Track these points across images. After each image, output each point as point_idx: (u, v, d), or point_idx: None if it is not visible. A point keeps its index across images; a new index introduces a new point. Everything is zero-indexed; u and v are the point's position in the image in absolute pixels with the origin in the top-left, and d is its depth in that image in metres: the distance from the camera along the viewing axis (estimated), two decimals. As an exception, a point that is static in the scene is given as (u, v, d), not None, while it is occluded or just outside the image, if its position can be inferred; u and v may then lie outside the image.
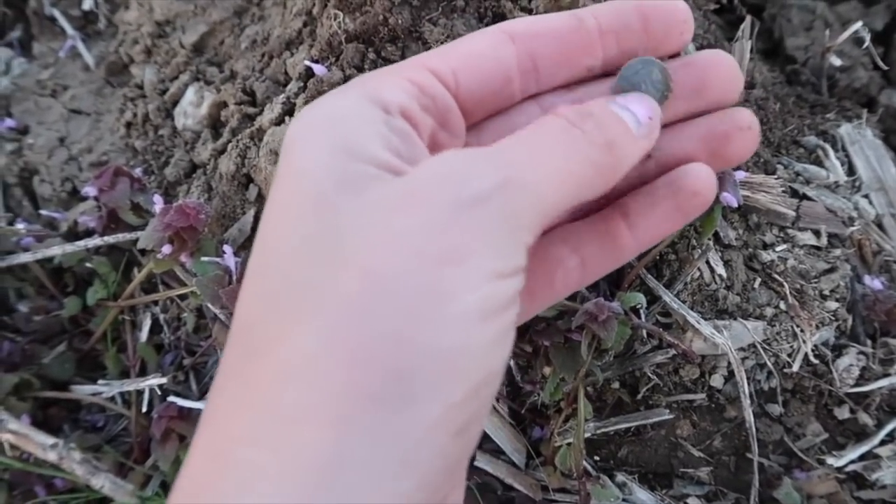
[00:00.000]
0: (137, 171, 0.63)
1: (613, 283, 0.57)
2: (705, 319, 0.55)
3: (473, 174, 0.24)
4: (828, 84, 0.79)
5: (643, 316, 0.55)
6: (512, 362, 0.58)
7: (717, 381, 0.57)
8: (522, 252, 0.24)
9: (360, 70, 0.60)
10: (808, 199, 0.60)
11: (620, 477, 0.59)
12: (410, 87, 0.28)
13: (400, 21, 0.59)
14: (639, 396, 0.58)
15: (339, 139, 0.25)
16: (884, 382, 0.55)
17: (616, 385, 0.58)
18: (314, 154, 0.25)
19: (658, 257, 0.56)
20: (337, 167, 0.24)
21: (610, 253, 0.33)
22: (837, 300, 0.57)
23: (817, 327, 0.55)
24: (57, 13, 0.79)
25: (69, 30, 0.78)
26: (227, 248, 0.54)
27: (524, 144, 0.26)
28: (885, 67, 0.77)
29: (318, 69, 0.60)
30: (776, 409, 0.57)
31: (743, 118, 0.32)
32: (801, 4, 0.85)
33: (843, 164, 0.63)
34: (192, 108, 0.66)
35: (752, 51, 0.67)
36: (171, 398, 0.58)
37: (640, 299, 0.54)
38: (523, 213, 0.24)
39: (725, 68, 0.32)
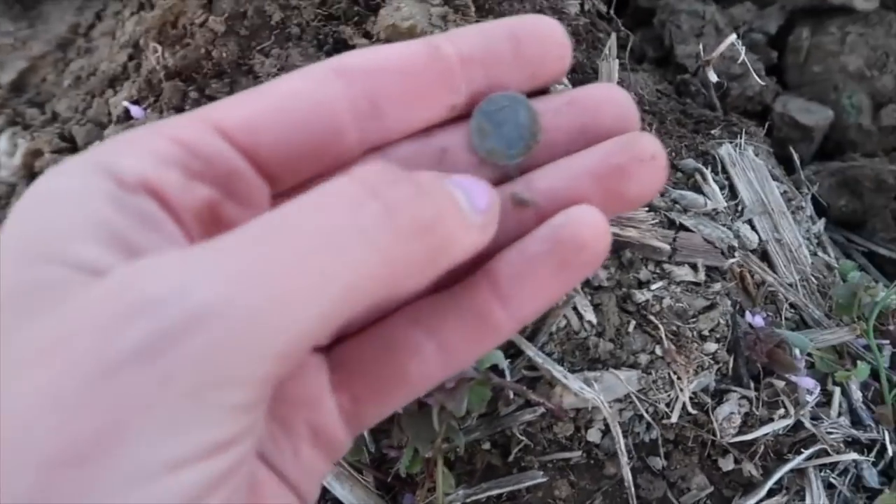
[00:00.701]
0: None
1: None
2: (575, 371, 0.51)
3: (159, 297, 0.16)
4: (719, 94, 0.75)
5: (507, 372, 0.50)
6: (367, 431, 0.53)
7: (594, 435, 0.52)
8: (234, 416, 0.17)
9: (181, 111, 0.53)
10: (686, 229, 0.56)
11: (497, 546, 0.54)
12: (168, 149, 0.21)
13: (225, 54, 0.53)
14: (510, 458, 0.53)
15: (33, 230, 0.19)
16: (767, 429, 0.51)
17: (486, 446, 0.53)
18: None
19: (521, 306, 0.51)
20: (15, 272, 0.18)
21: (478, 334, 0.25)
22: (717, 340, 0.53)
23: (696, 372, 0.51)
24: None
25: None
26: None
27: (278, 231, 0.18)
28: (765, 82, 0.74)
29: (136, 111, 0.53)
30: (658, 462, 0.53)
31: (644, 146, 0.24)
32: (691, 9, 0.81)
33: (723, 188, 0.59)
34: (6, 157, 0.58)
35: (626, 67, 0.63)
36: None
37: (498, 358, 0.48)
38: (245, 352, 0.17)
39: (617, 106, 0.26)
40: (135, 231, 0.19)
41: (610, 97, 0.26)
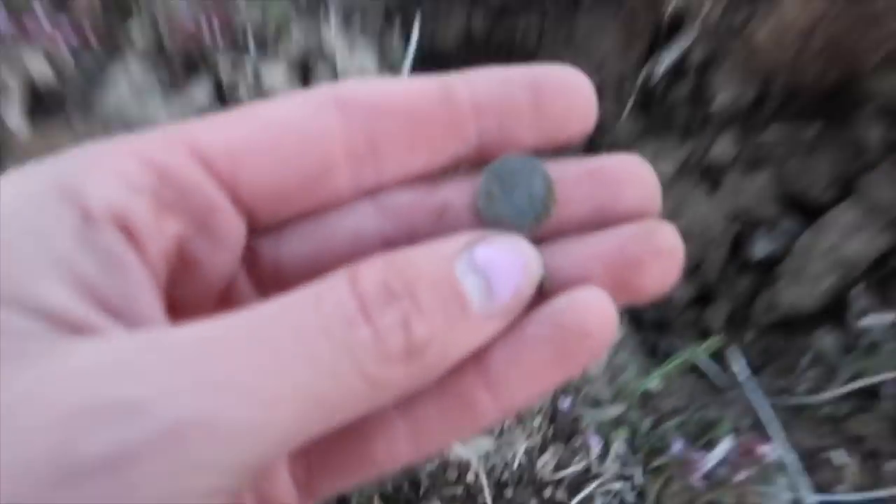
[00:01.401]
0: None
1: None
2: (458, 438, 0.86)
3: (136, 403, 0.15)
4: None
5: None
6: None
7: (470, 477, 0.86)
8: None
9: None
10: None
11: None
12: (140, 174, 0.19)
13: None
14: (421, 493, 0.86)
15: None
16: (571, 469, 0.87)
17: (406, 486, 0.86)
18: None
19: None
20: None
21: (458, 419, 0.22)
22: (543, 416, 0.88)
23: (528, 437, 0.86)
24: None
25: None
26: None
27: (263, 338, 0.17)
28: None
29: None
30: (509, 492, 0.87)
31: (664, 239, 0.22)
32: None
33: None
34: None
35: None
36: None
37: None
38: (221, 468, 0.16)
39: (640, 186, 0.23)
40: (102, 275, 0.18)
41: (635, 174, 0.23)
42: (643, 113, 0.79)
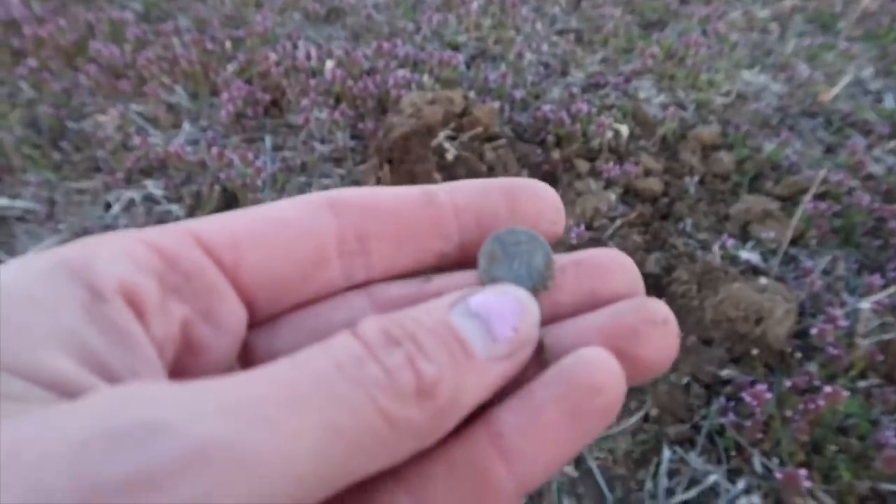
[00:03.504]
0: None
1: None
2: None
3: (160, 424, 0.14)
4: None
5: None
6: None
7: None
8: None
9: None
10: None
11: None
12: (147, 257, 0.20)
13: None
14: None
15: None
16: None
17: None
18: None
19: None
20: None
21: (474, 498, 0.20)
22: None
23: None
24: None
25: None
26: None
27: (279, 377, 0.17)
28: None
29: None
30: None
31: (656, 310, 0.22)
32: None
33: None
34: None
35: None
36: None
37: None
38: (243, 495, 0.15)
39: (624, 272, 0.24)
40: (110, 350, 0.18)
41: (618, 262, 0.24)
42: None
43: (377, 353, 0.18)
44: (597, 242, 1.23)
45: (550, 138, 1.52)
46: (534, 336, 0.21)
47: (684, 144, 1.56)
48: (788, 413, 0.84)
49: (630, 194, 1.40)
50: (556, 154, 1.48)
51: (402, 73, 1.65)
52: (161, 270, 0.20)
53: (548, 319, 0.23)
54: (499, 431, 0.20)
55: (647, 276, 1.20)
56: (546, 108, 1.54)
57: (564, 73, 1.88)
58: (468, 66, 1.82)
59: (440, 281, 0.24)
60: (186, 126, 1.61)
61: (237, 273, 0.21)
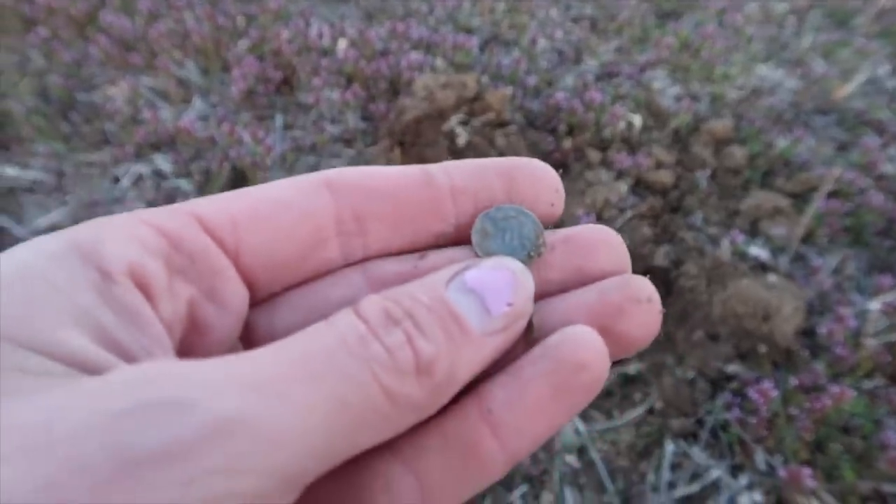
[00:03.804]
0: None
1: None
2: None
3: (185, 399, 0.15)
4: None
5: None
6: None
7: None
8: None
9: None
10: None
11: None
12: (153, 239, 0.20)
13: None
14: None
15: (14, 315, 0.17)
16: None
17: None
18: None
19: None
20: None
21: (465, 469, 0.21)
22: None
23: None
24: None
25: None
26: None
27: (292, 354, 0.17)
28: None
29: None
30: None
31: (640, 288, 0.23)
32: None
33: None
34: None
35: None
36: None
37: None
38: (266, 466, 0.15)
39: (611, 249, 0.24)
40: (122, 329, 0.18)
41: (605, 239, 0.24)
42: None
43: (378, 333, 0.19)
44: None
45: (562, 126, 1.51)
46: (528, 309, 0.22)
47: (697, 137, 1.55)
48: (794, 411, 0.84)
49: (641, 186, 1.40)
50: (567, 143, 1.47)
51: (415, 55, 1.64)
52: (167, 252, 0.21)
53: (537, 296, 0.23)
54: (489, 407, 0.21)
55: (655, 270, 1.19)
56: (559, 95, 1.53)
57: (578, 61, 1.87)
58: (481, 50, 1.81)
59: (435, 257, 0.25)
60: (197, 101, 1.61)
61: (239, 254, 0.22)
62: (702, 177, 1.41)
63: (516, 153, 1.43)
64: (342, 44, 1.71)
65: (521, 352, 0.22)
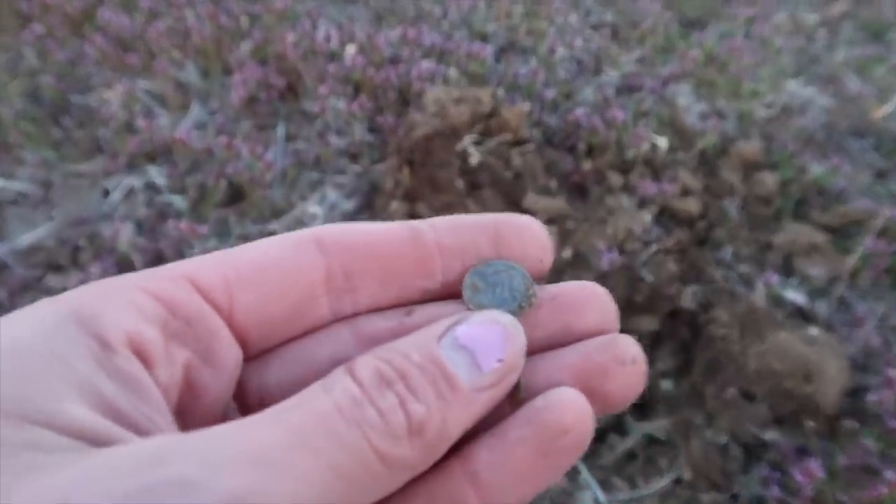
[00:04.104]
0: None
1: None
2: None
3: (192, 479, 0.16)
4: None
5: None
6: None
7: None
8: None
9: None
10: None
11: None
12: (150, 306, 0.21)
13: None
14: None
15: (14, 389, 0.17)
16: None
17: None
18: None
19: None
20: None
21: None
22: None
23: None
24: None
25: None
26: None
27: (273, 436, 0.17)
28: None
29: None
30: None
31: (625, 349, 0.23)
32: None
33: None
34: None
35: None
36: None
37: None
38: None
39: (599, 307, 0.25)
40: (123, 398, 0.19)
41: (593, 296, 0.25)
42: None
43: (372, 396, 0.19)
44: (629, 270, 1.14)
45: (582, 145, 1.42)
46: (519, 364, 0.22)
47: (725, 161, 1.46)
48: (842, 497, 0.76)
49: (665, 215, 1.31)
50: (587, 164, 1.38)
51: (426, 64, 1.54)
52: (163, 318, 0.21)
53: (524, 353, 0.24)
54: (475, 469, 0.22)
55: (682, 312, 1.11)
56: (579, 111, 1.44)
57: (598, 72, 1.77)
58: (497, 59, 1.71)
59: (422, 312, 0.25)
60: (195, 108, 1.52)
61: (232, 314, 0.23)
62: (731, 205, 1.31)
63: (533, 173, 1.34)
64: (350, 49, 1.62)
65: (507, 411, 0.22)
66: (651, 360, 1.11)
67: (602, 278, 1.13)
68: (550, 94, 1.53)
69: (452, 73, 1.56)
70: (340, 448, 0.18)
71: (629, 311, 1.14)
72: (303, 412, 0.18)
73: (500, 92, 1.50)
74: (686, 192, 1.34)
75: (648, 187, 1.28)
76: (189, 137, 1.33)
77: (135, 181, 1.32)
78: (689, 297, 1.11)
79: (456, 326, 0.21)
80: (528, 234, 0.25)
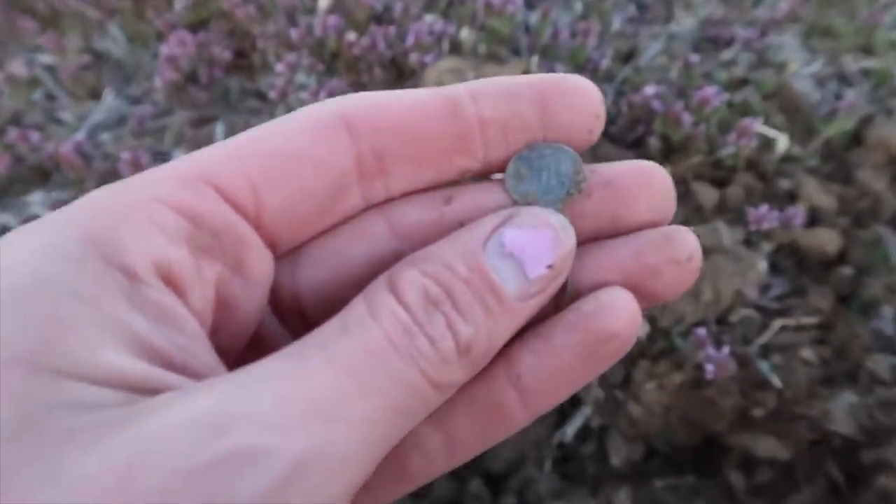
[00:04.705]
0: None
1: None
2: None
3: (262, 448, 0.15)
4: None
5: None
6: None
7: None
8: None
9: None
10: None
11: None
12: (173, 222, 0.19)
13: None
14: None
15: (37, 339, 0.15)
16: None
17: None
18: None
19: None
20: (27, 393, 0.15)
21: (490, 426, 0.23)
22: None
23: None
24: None
25: None
26: None
27: (328, 381, 0.17)
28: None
29: None
30: None
31: (682, 247, 0.22)
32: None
33: None
34: None
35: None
36: None
37: None
38: (338, 491, 0.17)
39: (655, 194, 0.23)
40: (161, 336, 0.18)
41: (650, 183, 0.23)
42: (562, 468, 0.79)
43: (421, 321, 0.19)
44: (745, 370, 0.72)
45: (653, 141, 0.97)
46: (567, 268, 0.21)
47: (860, 155, 1.00)
48: None
49: (786, 254, 0.87)
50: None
51: (428, 21, 1.09)
52: (189, 233, 0.19)
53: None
54: (517, 373, 0.22)
55: (831, 437, 0.69)
56: (650, 91, 0.98)
57: (668, 19, 1.29)
58: (528, 6, 1.24)
59: (463, 200, 0.23)
60: (108, 96, 1.10)
61: (260, 218, 0.21)
62: (886, 235, 0.87)
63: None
64: (323, 3, 1.16)
65: (550, 310, 0.22)
66: (775, 505, 0.72)
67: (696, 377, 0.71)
68: (605, 62, 1.07)
69: (465, 34, 1.10)
70: (399, 385, 0.18)
71: (740, 426, 0.73)
72: (354, 345, 0.18)
73: (534, 62, 1.05)
74: (814, 217, 0.90)
75: (766, 217, 0.84)
76: (79, 151, 0.91)
77: (8, 218, 0.92)
78: (842, 418, 0.70)
79: (503, 229, 0.20)
80: (579, 102, 0.23)
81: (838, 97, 1.07)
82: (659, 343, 0.77)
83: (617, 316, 0.21)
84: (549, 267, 0.20)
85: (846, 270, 0.84)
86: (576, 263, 0.22)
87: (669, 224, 0.23)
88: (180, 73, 1.08)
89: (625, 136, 1.01)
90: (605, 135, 1.01)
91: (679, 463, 0.77)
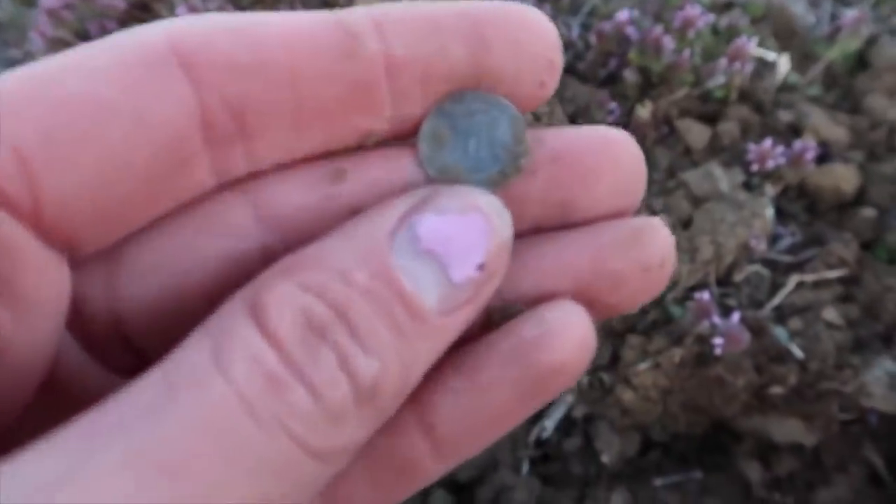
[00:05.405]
0: None
1: None
2: None
3: None
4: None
5: None
6: None
7: None
8: None
9: None
10: None
11: None
12: None
13: None
14: None
15: None
16: None
17: None
18: None
19: None
20: None
21: (395, 489, 0.18)
22: None
23: None
24: None
25: None
26: None
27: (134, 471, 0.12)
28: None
29: None
30: None
31: (654, 246, 0.17)
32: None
33: None
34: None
35: None
36: None
37: None
38: None
39: (618, 171, 0.18)
40: None
41: (614, 157, 0.18)
42: (542, 470, 0.68)
43: (298, 364, 0.14)
44: (758, 340, 0.58)
45: (630, 75, 0.82)
46: (503, 268, 0.17)
47: (868, 79, 0.86)
48: None
49: (793, 197, 0.73)
50: (642, 109, 0.79)
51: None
52: None
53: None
54: (431, 422, 0.17)
55: (872, 417, 0.56)
56: (622, 15, 0.83)
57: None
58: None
59: (359, 175, 0.17)
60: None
61: (39, 210, 0.15)
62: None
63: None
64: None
65: (476, 327, 0.17)
66: (804, 500, 0.60)
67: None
68: (569, -17, 0.92)
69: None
70: (260, 476, 0.13)
71: (755, 408, 0.60)
72: (180, 422, 0.13)
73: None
74: (825, 152, 0.76)
75: (771, 153, 0.69)
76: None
77: None
78: (880, 392, 0.56)
79: (416, 216, 0.16)
80: (527, 38, 0.17)
81: (834, 17, 0.93)
82: (651, 313, 0.63)
83: (565, 343, 0.17)
84: (480, 267, 0.16)
85: (867, 212, 0.70)
86: (514, 263, 0.17)
87: (636, 214, 0.18)
88: (66, 27, 0.91)
89: (595, 72, 0.86)
90: (572, 71, 0.86)
91: (682, 456, 0.66)
